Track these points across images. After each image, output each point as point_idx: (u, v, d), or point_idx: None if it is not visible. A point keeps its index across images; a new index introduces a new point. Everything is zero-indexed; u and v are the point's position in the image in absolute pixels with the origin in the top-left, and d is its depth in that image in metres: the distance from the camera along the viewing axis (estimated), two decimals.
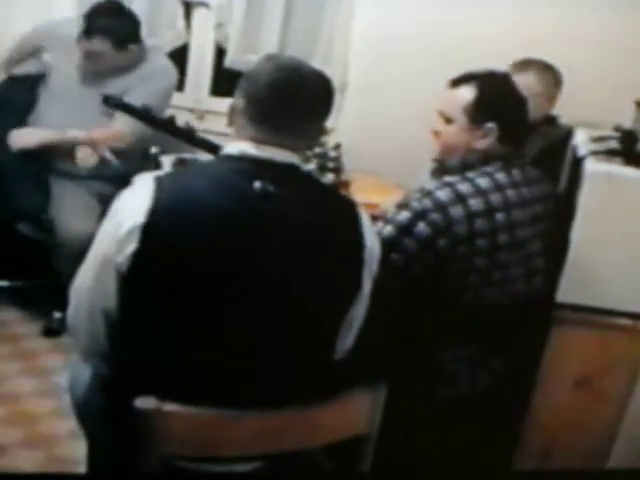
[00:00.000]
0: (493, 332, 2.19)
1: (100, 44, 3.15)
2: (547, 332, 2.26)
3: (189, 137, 2.58)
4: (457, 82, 2.20)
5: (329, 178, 3.17)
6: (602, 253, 2.19)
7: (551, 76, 3.08)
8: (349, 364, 1.87)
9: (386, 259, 2.03)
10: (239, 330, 1.63)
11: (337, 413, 1.71)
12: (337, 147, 3.29)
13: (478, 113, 2.14)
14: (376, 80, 3.54)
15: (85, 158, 3.14)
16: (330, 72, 3.42)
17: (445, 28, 3.39)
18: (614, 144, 2.24)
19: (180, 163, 2.97)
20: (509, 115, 2.17)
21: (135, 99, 2.84)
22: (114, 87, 3.13)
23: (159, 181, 1.62)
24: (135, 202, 1.59)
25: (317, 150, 3.23)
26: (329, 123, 3.48)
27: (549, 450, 2.34)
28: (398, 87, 3.48)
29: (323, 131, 1.82)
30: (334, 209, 1.74)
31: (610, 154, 2.19)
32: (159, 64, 3.36)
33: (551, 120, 3.12)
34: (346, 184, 3.25)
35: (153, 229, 1.56)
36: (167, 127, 2.60)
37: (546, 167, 2.37)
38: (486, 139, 2.14)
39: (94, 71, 3.23)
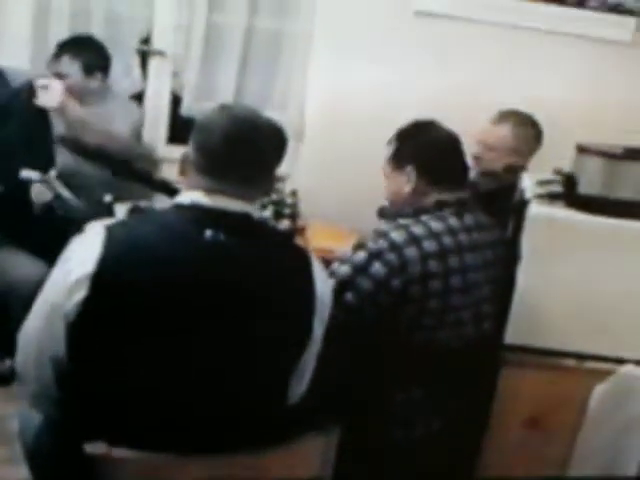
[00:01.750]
0: (445, 375, 2.22)
1: (68, 65, 3.28)
2: (497, 374, 2.28)
3: (147, 180, 2.61)
4: (390, 139, 2.34)
5: (285, 224, 3.21)
6: (546, 295, 2.23)
7: (528, 131, 3.12)
8: (301, 408, 1.87)
9: (341, 299, 2.09)
10: (187, 377, 1.64)
11: (289, 457, 1.72)
12: (293, 194, 3.32)
13: (397, 161, 2.27)
14: (332, 128, 3.59)
15: (40, 194, 3.14)
16: (286, 120, 3.61)
17: (398, 85, 3.49)
18: (557, 187, 2.30)
19: (135, 211, 2.98)
20: (425, 155, 2.25)
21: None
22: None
23: (109, 230, 1.64)
24: (85, 250, 1.61)
25: (273, 197, 3.27)
26: (285, 170, 3.61)
27: None
28: (353, 135, 3.54)
29: (276, 179, 1.84)
30: (286, 258, 1.77)
31: (552, 197, 2.25)
32: (130, 107, 3.54)
33: (516, 168, 3.13)
34: (302, 230, 3.30)
35: (102, 278, 1.58)
36: (124, 170, 2.63)
37: (495, 210, 2.44)
38: (410, 182, 2.22)
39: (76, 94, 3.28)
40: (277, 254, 1.76)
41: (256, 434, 1.68)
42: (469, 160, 3.00)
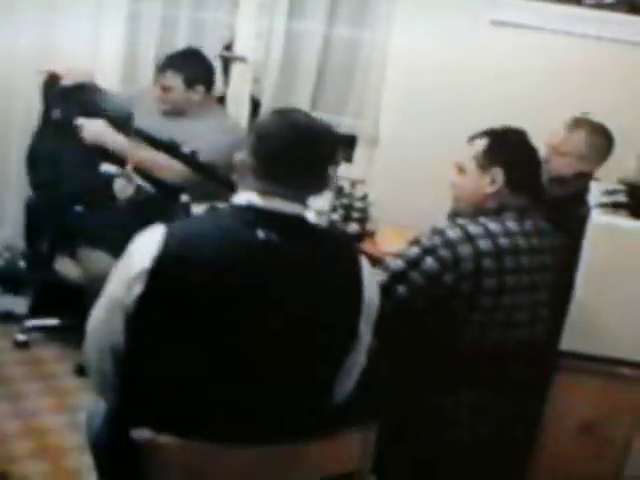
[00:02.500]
0: (496, 377, 2.22)
1: (172, 78, 3.39)
2: (550, 380, 2.29)
3: (212, 174, 2.71)
4: (474, 137, 2.33)
5: (354, 228, 3.27)
6: (605, 303, 2.23)
7: (601, 140, 3.07)
8: (344, 406, 1.92)
9: (392, 291, 2.15)
10: (237, 372, 1.70)
11: (329, 450, 1.76)
12: (364, 198, 3.39)
13: (485, 159, 2.25)
14: (406, 135, 3.63)
15: (123, 188, 3.29)
16: (361, 126, 3.68)
17: (475, 88, 3.50)
18: (621, 197, 2.29)
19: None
20: (516, 162, 2.26)
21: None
22: (183, 128, 3.32)
23: (169, 229, 1.71)
24: (145, 247, 1.69)
25: (343, 200, 3.34)
26: (359, 175, 3.68)
27: None
28: (427, 142, 3.56)
29: (329, 181, 1.87)
30: (336, 260, 1.81)
31: (615, 207, 2.24)
32: (232, 123, 3.58)
33: (585, 175, 3.08)
34: (372, 234, 3.35)
35: (158, 274, 1.65)
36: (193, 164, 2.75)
37: (562, 216, 2.44)
38: (494, 184, 2.23)
39: (167, 108, 3.44)
40: (327, 257, 1.80)
41: (299, 427, 1.72)
42: None
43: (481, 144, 2.28)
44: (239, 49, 3.78)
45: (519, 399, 2.28)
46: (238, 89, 3.82)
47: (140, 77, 3.77)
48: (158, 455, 1.62)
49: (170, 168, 3.25)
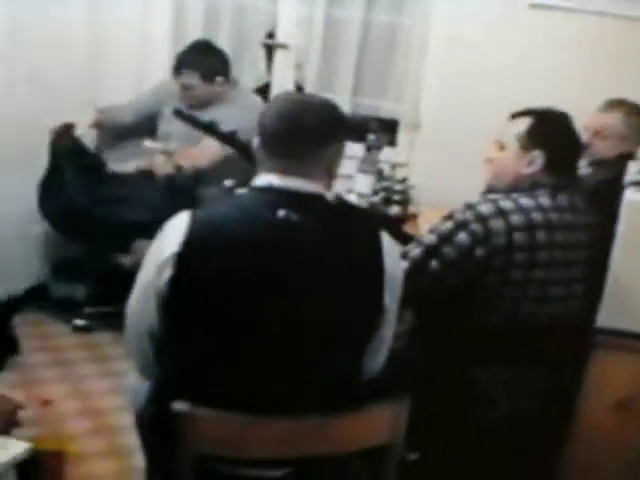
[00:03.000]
0: (531, 354, 2.26)
1: (189, 77, 3.49)
2: (586, 356, 2.30)
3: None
4: (516, 115, 2.35)
5: (395, 210, 3.31)
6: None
7: (638, 120, 3.12)
8: (378, 379, 1.97)
9: (425, 265, 2.20)
10: (266, 349, 1.77)
11: (361, 423, 1.82)
12: (404, 181, 3.43)
13: (528, 140, 2.27)
14: (447, 118, 3.67)
15: (162, 164, 3.44)
16: (402, 111, 3.72)
17: (511, 75, 3.53)
18: None
19: None
20: (557, 145, 2.28)
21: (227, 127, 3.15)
22: (209, 116, 3.38)
23: (194, 214, 1.79)
24: (173, 232, 1.77)
25: (384, 183, 3.39)
26: (402, 158, 3.72)
27: (590, 473, 2.38)
28: (467, 125, 3.59)
29: (341, 155, 1.89)
30: (356, 236, 1.84)
31: None
32: (251, 100, 3.66)
33: (628, 157, 3.14)
34: (413, 217, 3.39)
35: (186, 258, 1.73)
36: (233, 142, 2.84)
37: (607, 199, 2.44)
38: (532, 166, 2.26)
39: (192, 103, 3.55)
40: (348, 233, 1.84)
41: (331, 401, 1.79)
42: None
43: (523, 124, 2.29)
44: (281, 36, 3.86)
45: (554, 375, 2.31)
46: (281, 76, 3.90)
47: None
48: (196, 426, 1.71)
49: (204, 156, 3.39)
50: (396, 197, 3.33)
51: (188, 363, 1.82)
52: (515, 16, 3.51)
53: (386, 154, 3.69)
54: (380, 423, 1.83)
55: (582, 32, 3.45)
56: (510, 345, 2.24)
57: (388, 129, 3.91)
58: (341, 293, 1.79)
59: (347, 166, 3.50)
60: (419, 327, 2.39)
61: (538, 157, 2.25)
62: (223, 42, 3.76)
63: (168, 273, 1.74)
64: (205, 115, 3.40)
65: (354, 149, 3.61)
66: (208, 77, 3.52)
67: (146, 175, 3.51)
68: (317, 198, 1.83)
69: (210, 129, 3.14)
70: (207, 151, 3.43)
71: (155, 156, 3.51)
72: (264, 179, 1.83)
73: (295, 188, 1.80)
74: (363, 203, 3.27)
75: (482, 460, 2.28)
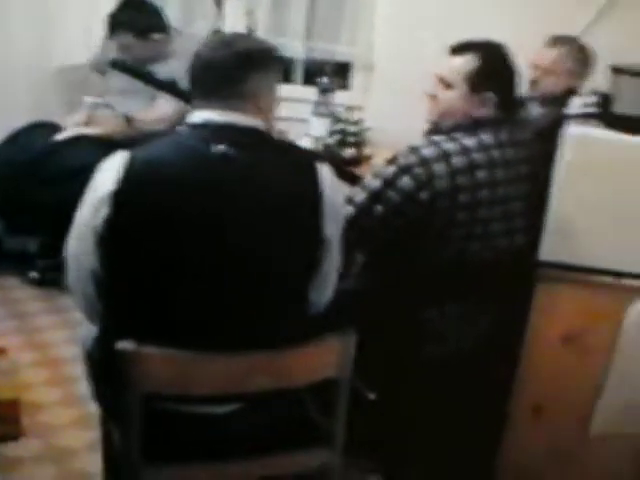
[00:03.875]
0: (479, 289, 2.30)
1: (123, 37, 3.44)
2: (532, 290, 2.33)
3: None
4: (458, 49, 2.30)
5: (349, 152, 3.31)
6: (581, 212, 2.24)
7: (583, 55, 3.15)
8: (324, 315, 2.00)
9: (371, 211, 2.20)
10: (210, 282, 1.78)
11: (308, 357, 1.83)
12: (357, 123, 3.42)
13: (479, 82, 2.25)
14: (401, 59, 3.64)
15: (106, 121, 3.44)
16: (355, 53, 3.69)
17: (460, 16, 3.50)
18: (595, 108, 2.31)
19: None
20: (506, 85, 2.29)
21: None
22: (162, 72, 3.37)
23: (131, 152, 1.78)
24: (109, 171, 1.76)
25: (339, 126, 3.38)
26: (356, 101, 3.71)
27: (541, 405, 2.42)
28: (421, 66, 3.55)
29: (269, 89, 1.90)
30: (294, 168, 1.85)
31: (588, 117, 2.26)
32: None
33: (573, 92, 3.17)
34: (368, 158, 3.40)
35: (122, 195, 1.73)
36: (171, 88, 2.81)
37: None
38: (484, 108, 2.26)
39: (133, 62, 3.48)
40: (285, 164, 1.85)
41: (279, 336, 1.81)
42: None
43: (470, 63, 2.26)
44: None
45: (503, 309, 2.35)
46: (233, 23, 3.83)
47: None
48: (141, 365, 1.72)
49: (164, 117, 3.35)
50: (351, 139, 3.34)
51: (131, 302, 1.82)
52: None
53: (341, 97, 3.68)
54: (327, 357, 1.85)
55: None
56: (459, 282, 2.27)
57: (342, 72, 3.89)
58: (280, 225, 1.80)
59: (302, 110, 3.53)
60: (369, 267, 2.41)
61: (490, 99, 2.25)
62: None
63: (104, 212, 1.74)
64: (163, 68, 3.40)
65: (308, 93, 3.60)
66: (142, 35, 3.46)
67: (104, 141, 3.43)
68: (254, 132, 1.83)
69: (149, 79, 3.12)
70: (163, 111, 3.40)
71: (98, 112, 3.47)
72: (199, 115, 1.83)
73: (231, 121, 1.80)
74: (318, 146, 3.26)
75: (433, 396, 2.32)
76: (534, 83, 3.12)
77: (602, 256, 2.28)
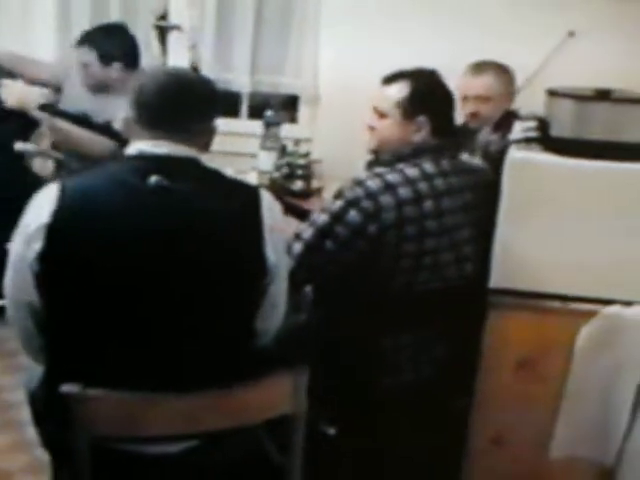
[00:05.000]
0: (431, 319, 2.29)
1: (87, 54, 3.39)
2: (484, 318, 2.33)
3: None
4: (389, 79, 2.33)
5: (298, 185, 3.30)
6: (527, 238, 2.25)
7: (507, 76, 3.21)
8: (275, 349, 1.98)
9: (320, 247, 2.19)
10: (150, 318, 1.75)
11: (260, 394, 1.81)
12: (306, 155, 3.42)
13: (410, 107, 2.27)
14: (347, 92, 3.65)
15: (43, 166, 3.31)
16: (301, 85, 3.70)
17: (406, 49, 3.48)
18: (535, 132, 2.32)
19: None
20: (439, 108, 2.30)
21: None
22: (108, 104, 3.32)
23: (63, 184, 1.76)
24: (42, 203, 1.74)
25: (286, 159, 3.38)
26: (303, 133, 3.72)
27: (500, 432, 2.41)
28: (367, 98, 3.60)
29: (214, 132, 1.92)
30: (232, 196, 1.84)
31: (529, 141, 2.28)
32: None
33: (513, 114, 3.17)
34: (318, 191, 3.39)
35: (55, 228, 1.70)
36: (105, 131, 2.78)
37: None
38: (420, 132, 2.26)
39: (89, 83, 3.45)
40: (223, 194, 1.83)
41: (227, 372, 1.77)
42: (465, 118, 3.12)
43: (401, 89, 2.28)
44: (173, 17, 3.80)
45: (456, 338, 2.35)
46: (176, 58, 3.84)
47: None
48: (88, 408, 1.67)
49: (96, 142, 3.26)
50: (299, 172, 3.33)
51: (73, 340, 1.78)
52: None
53: (289, 130, 3.68)
54: (281, 393, 1.83)
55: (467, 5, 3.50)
56: (410, 313, 2.26)
57: (292, 105, 3.90)
58: (221, 256, 1.78)
59: (250, 144, 3.52)
60: (319, 301, 2.40)
61: (424, 123, 2.26)
62: None
63: (38, 245, 1.71)
64: (107, 101, 3.35)
65: (254, 126, 3.60)
66: (105, 59, 3.41)
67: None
68: (190, 162, 1.82)
69: (82, 122, 3.09)
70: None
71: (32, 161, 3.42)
72: (134, 147, 1.82)
73: (166, 153, 1.79)
74: (264, 180, 3.25)
75: (393, 429, 2.30)
76: (473, 115, 3.16)
77: (550, 281, 2.29)
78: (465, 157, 2.59)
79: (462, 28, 3.51)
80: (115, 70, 3.43)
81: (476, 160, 3.12)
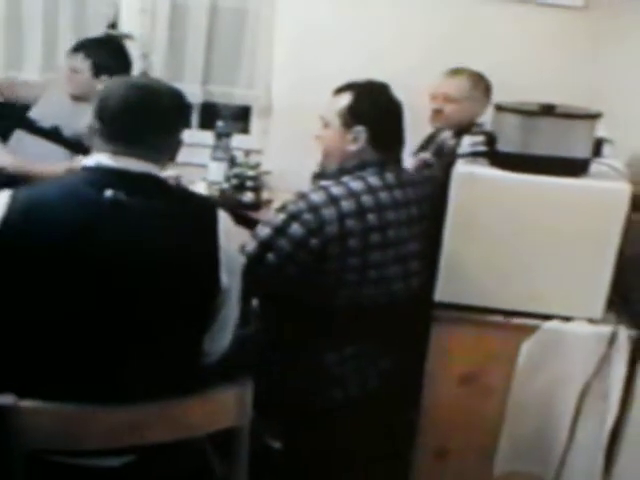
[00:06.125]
0: (377, 332, 2.29)
1: (82, 61, 3.35)
2: (428, 332, 2.33)
3: None
4: (338, 90, 2.34)
5: (248, 197, 3.29)
6: (472, 252, 2.27)
7: (481, 84, 3.24)
8: (221, 363, 1.96)
9: (263, 260, 2.18)
10: (97, 332, 1.72)
11: (203, 406, 1.79)
12: (256, 167, 3.41)
13: (349, 117, 2.27)
14: (299, 103, 3.65)
15: None
16: (253, 97, 3.69)
17: (362, 61, 3.49)
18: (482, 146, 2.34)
19: None
20: (379, 120, 2.29)
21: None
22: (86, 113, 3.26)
23: (14, 192, 1.72)
24: None
25: (236, 170, 3.36)
26: (255, 144, 3.70)
27: (445, 446, 2.42)
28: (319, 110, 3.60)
29: (180, 144, 1.91)
30: (189, 214, 1.83)
31: (476, 155, 2.29)
32: None
33: (479, 126, 3.16)
34: (268, 202, 3.38)
35: (4, 237, 1.67)
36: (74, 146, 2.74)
37: None
38: (357, 142, 2.26)
39: (76, 93, 3.40)
40: (180, 211, 1.82)
41: (173, 385, 1.76)
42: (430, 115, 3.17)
43: (344, 100, 2.29)
44: (124, 26, 3.76)
45: (401, 352, 2.35)
46: None
47: (27, 59, 3.73)
48: (23, 420, 1.63)
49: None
50: (249, 183, 3.31)
51: (14, 350, 1.73)
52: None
53: (240, 141, 3.66)
54: (224, 406, 1.81)
55: (423, 14, 3.51)
56: (356, 326, 2.26)
57: (242, 116, 3.89)
58: (171, 274, 1.76)
59: (200, 155, 3.49)
60: (264, 314, 2.39)
61: (361, 133, 2.26)
62: (63, 34, 3.66)
63: None
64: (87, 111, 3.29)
65: (205, 137, 3.58)
66: (97, 70, 3.36)
67: None
68: (150, 178, 1.80)
69: (53, 136, 3.05)
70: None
71: None
72: (93, 159, 1.79)
73: (125, 167, 1.76)
74: (213, 191, 3.23)
75: (339, 443, 2.28)
76: (437, 112, 3.19)
77: (493, 295, 2.31)
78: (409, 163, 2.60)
79: (412, 42, 3.52)
80: (103, 83, 3.34)
81: (427, 155, 3.17)
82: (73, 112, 3.33)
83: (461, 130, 3.10)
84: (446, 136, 3.25)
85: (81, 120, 3.20)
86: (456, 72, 3.24)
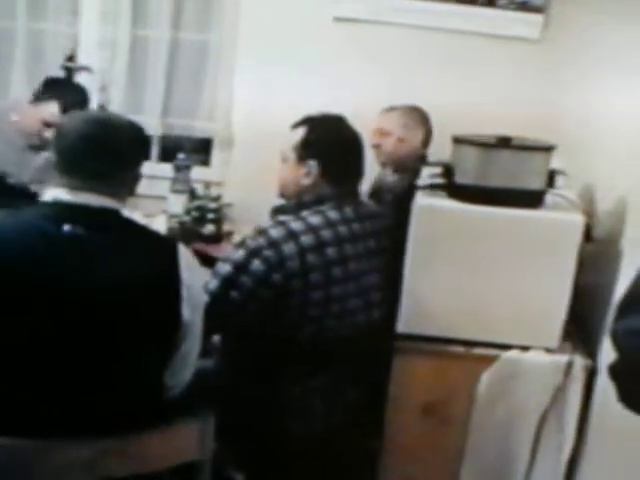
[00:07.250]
0: (340, 364, 2.29)
1: (54, 108, 3.21)
2: (390, 364, 2.35)
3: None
4: (295, 124, 2.37)
5: (209, 229, 3.28)
6: (431, 284, 2.30)
7: (415, 114, 3.27)
8: (182, 397, 1.95)
9: (226, 298, 2.17)
10: (54, 364, 1.71)
11: (163, 440, 1.78)
12: (217, 199, 3.40)
13: (303, 151, 2.30)
14: (260, 136, 3.65)
15: None
16: (214, 129, 3.69)
17: (322, 91, 3.50)
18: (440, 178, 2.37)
19: None
20: (331, 154, 2.31)
21: None
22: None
23: None
24: None
25: (197, 203, 3.35)
26: (216, 177, 3.69)
27: (408, 475, 2.43)
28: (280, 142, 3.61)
29: (139, 178, 1.91)
30: (149, 250, 1.83)
31: (435, 188, 2.32)
32: None
33: (422, 159, 3.21)
34: (229, 235, 3.37)
35: None
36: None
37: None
38: (309, 176, 2.28)
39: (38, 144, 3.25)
40: (140, 247, 1.82)
41: (133, 420, 1.73)
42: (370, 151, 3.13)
43: (299, 134, 2.32)
44: (83, 59, 3.72)
45: (364, 384, 2.35)
46: None
47: None
48: None
49: None
50: (210, 216, 3.30)
51: None
52: (320, 30, 3.54)
53: (201, 173, 3.66)
54: (185, 440, 1.81)
55: (384, 44, 3.52)
56: (319, 359, 2.26)
57: (203, 148, 3.88)
58: (131, 306, 1.75)
59: (160, 187, 3.48)
60: (227, 349, 2.38)
61: (313, 167, 2.28)
62: (19, 67, 3.60)
63: None
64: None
65: (165, 169, 3.57)
66: (65, 110, 3.19)
67: None
68: (106, 212, 1.80)
69: None
70: None
71: None
72: (50, 193, 1.79)
73: (83, 202, 1.77)
74: (173, 223, 3.22)
75: (303, 475, 2.27)
76: (376, 148, 3.22)
77: (453, 326, 2.34)
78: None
79: (371, 75, 3.56)
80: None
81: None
82: (21, 159, 3.22)
83: (404, 166, 3.15)
84: (385, 173, 3.28)
85: (29, 168, 3.18)
86: (391, 108, 3.29)
